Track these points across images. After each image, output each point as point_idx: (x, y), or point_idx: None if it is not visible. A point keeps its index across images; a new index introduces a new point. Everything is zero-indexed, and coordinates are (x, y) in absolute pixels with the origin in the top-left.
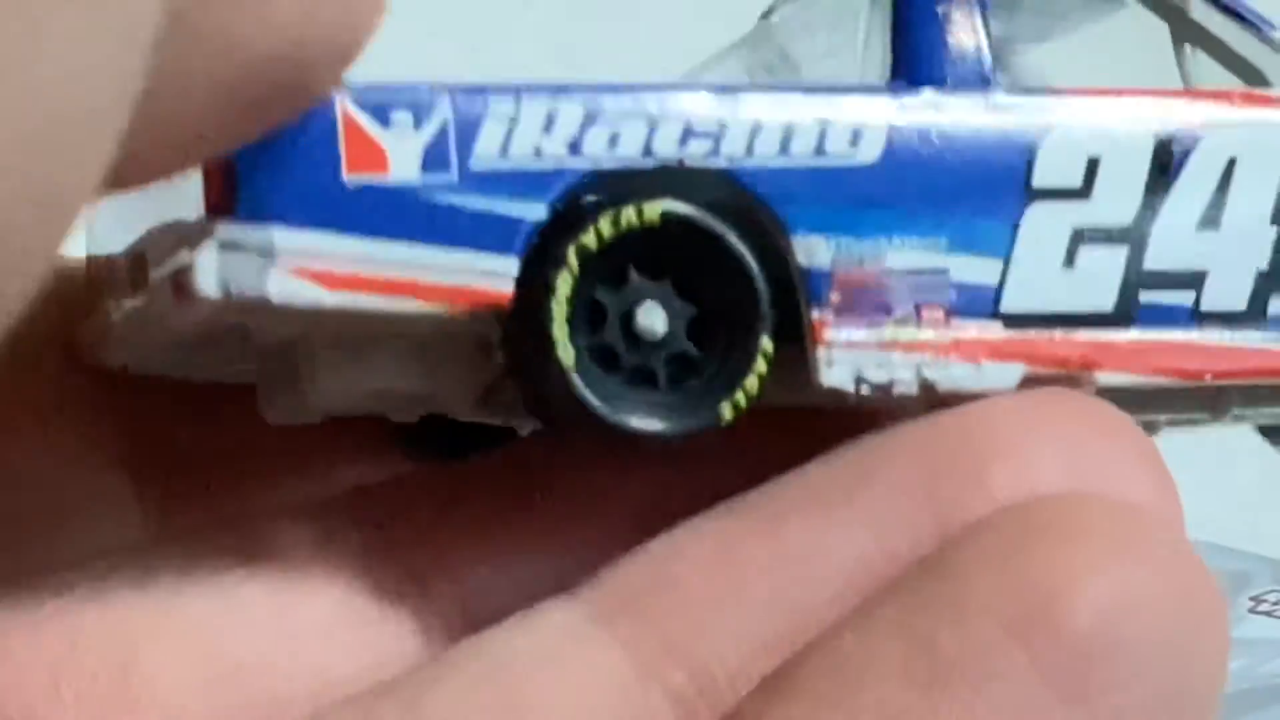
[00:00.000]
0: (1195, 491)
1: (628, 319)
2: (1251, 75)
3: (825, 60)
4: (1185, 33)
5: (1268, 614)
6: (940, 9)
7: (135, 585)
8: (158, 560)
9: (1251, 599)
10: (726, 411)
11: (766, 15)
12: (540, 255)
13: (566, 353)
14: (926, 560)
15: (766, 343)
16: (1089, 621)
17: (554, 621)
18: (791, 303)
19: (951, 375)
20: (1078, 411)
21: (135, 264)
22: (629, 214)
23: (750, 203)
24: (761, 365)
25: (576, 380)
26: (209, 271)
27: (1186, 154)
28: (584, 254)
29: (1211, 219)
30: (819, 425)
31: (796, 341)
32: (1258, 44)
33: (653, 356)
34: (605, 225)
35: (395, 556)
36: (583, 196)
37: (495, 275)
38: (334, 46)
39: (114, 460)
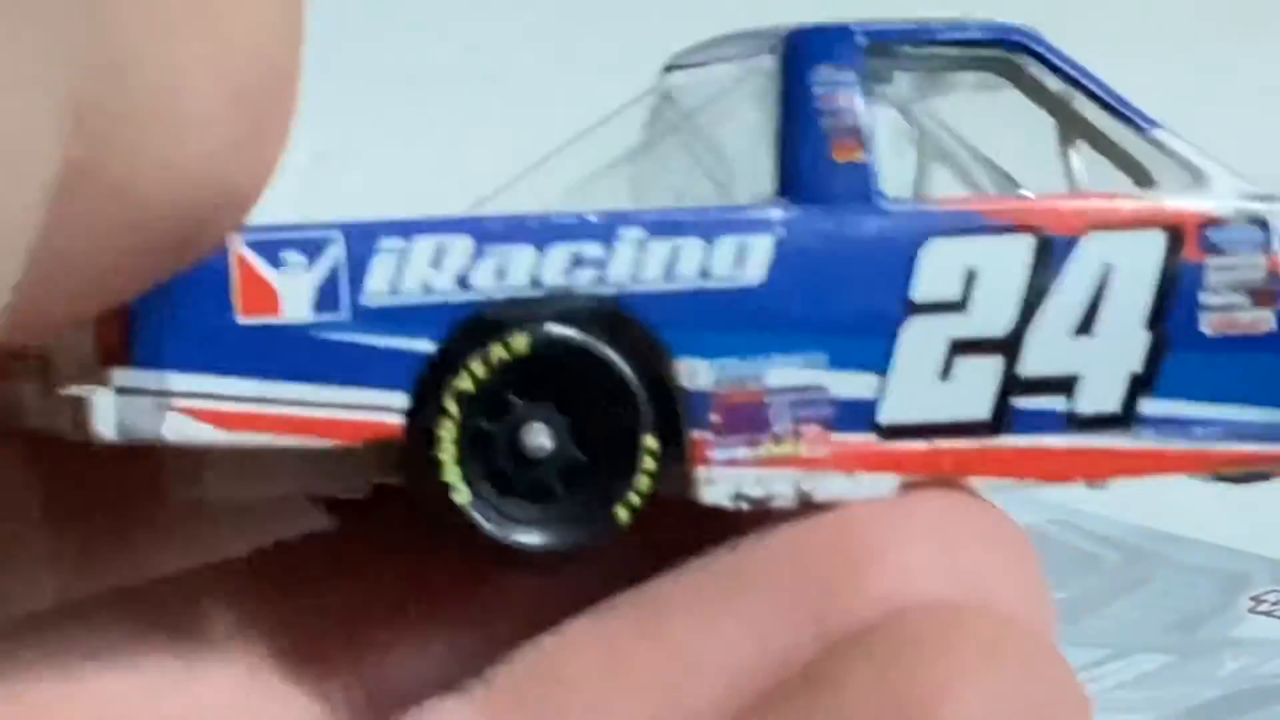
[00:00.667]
0: (1195, 491)
1: (514, 442)
2: (1136, 172)
3: (728, 149)
4: (1070, 128)
5: (1268, 614)
6: (826, 122)
7: (40, 658)
8: (63, 633)
9: (1251, 599)
10: (622, 514)
11: (669, 69)
12: (423, 403)
13: (461, 493)
14: (806, 670)
15: (650, 441)
16: None
17: None
18: (674, 418)
19: (828, 487)
20: (952, 510)
21: (42, 364)
22: (498, 350)
23: (633, 327)
24: (649, 463)
25: (475, 515)
26: (106, 414)
27: (1065, 259)
28: (462, 396)
29: (1087, 324)
30: (706, 515)
31: (679, 446)
32: (1140, 141)
33: (544, 472)
34: (478, 367)
35: (302, 630)
36: (462, 335)
37: (387, 410)
38: (234, 195)
39: (33, 516)
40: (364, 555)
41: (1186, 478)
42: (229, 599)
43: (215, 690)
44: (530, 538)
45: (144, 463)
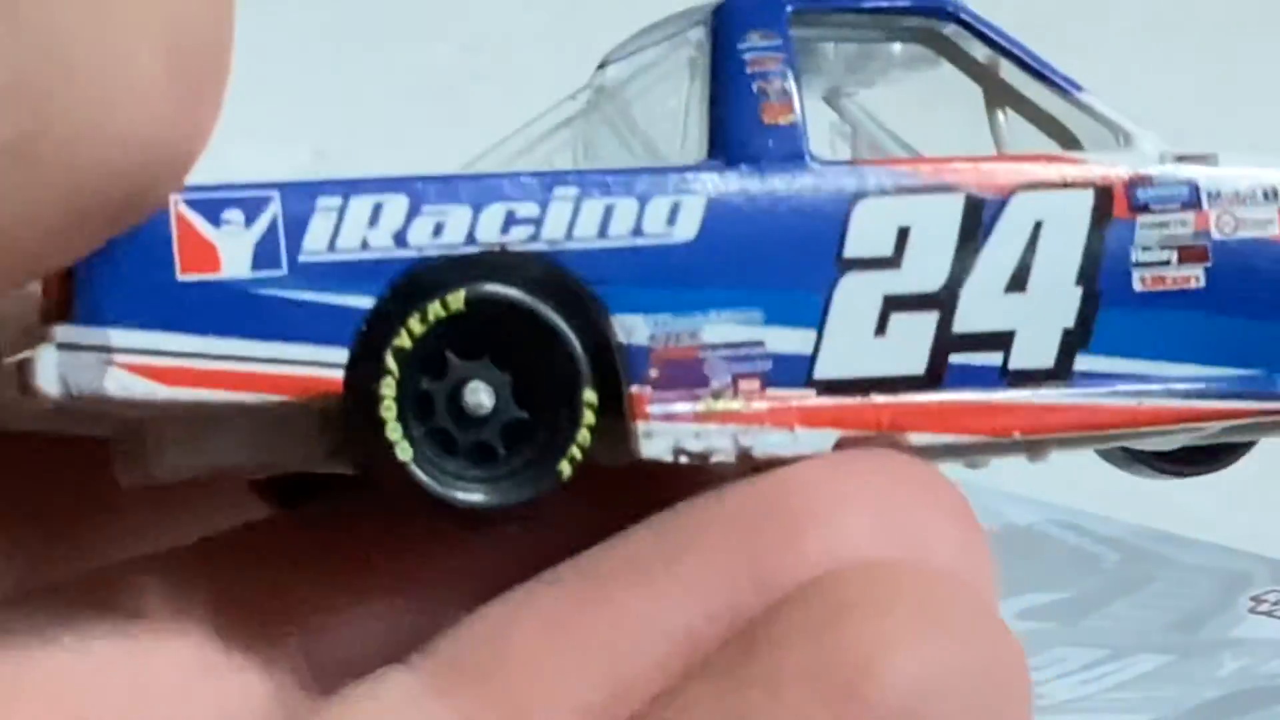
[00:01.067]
0: (1195, 491)
1: (455, 401)
2: (1062, 136)
3: (661, 121)
4: (997, 95)
5: (1268, 614)
6: (755, 85)
7: None
8: (13, 618)
9: (1251, 599)
10: (565, 469)
11: (603, 66)
12: (362, 359)
13: (404, 450)
14: (744, 632)
15: (590, 395)
16: (898, 695)
17: (394, 693)
18: (613, 374)
19: (767, 442)
20: (889, 470)
21: None
22: (435, 308)
23: (569, 283)
24: (589, 417)
25: (417, 472)
26: (49, 370)
27: (995, 218)
28: (400, 354)
29: (1019, 281)
30: (646, 481)
31: (620, 408)
32: (1066, 105)
33: (486, 430)
34: (415, 324)
35: (245, 609)
36: (399, 292)
37: (327, 365)
38: (171, 161)
39: None
40: (305, 538)
41: (1179, 482)
42: (175, 583)
43: (162, 669)
44: (473, 495)
45: (96, 452)
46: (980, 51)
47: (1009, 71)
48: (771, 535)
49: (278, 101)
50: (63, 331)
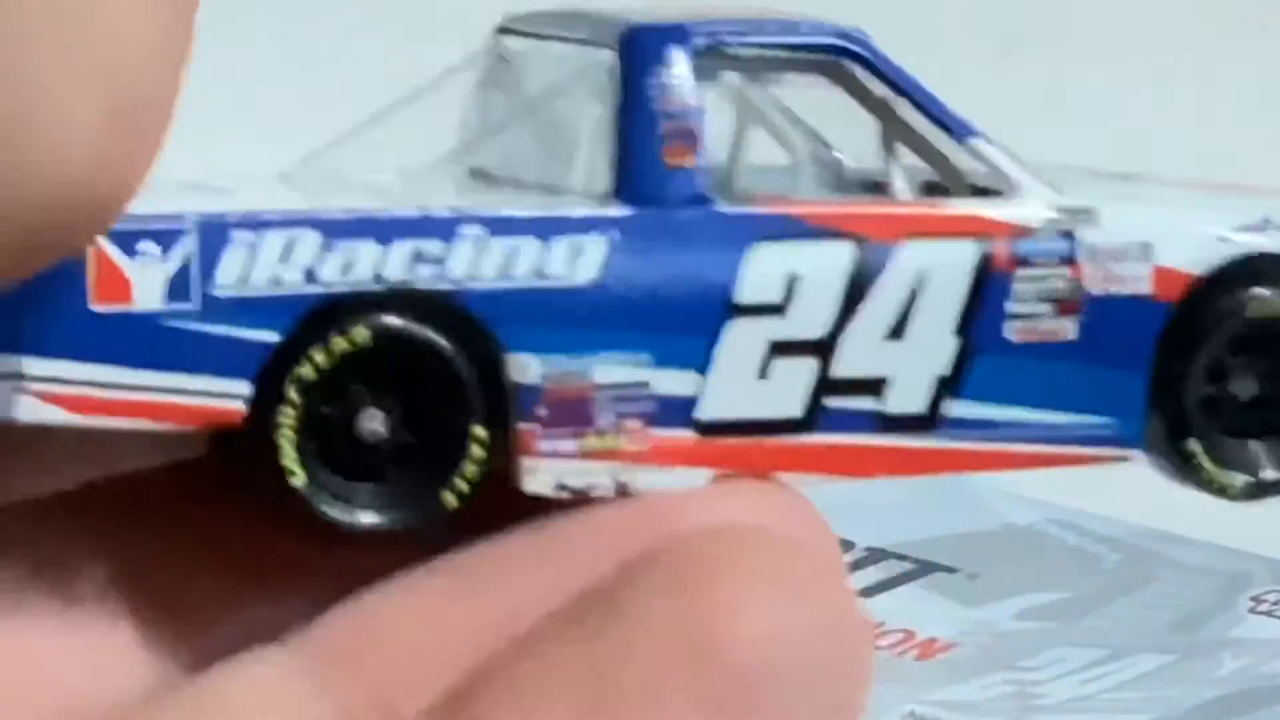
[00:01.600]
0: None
1: (350, 427)
2: (953, 179)
3: (564, 131)
4: (894, 132)
5: (1268, 614)
6: (660, 126)
7: None
8: None
9: (1251, 599)
10: (450, 499)
11: (503, 31)
12: (266, 390)
13: (299, 476)
14: (599, 591)
15: (480, 431)
16: (746, 653)
17: (268, 671)
18: (504, 410)
19: (645, 480)
20: (758, 489)
21: None
22: (339, 341)
23: (468, 322)
24: (478, 452)
25: (310, 497)
26: None
27: (881, 267)
28: (304, 384)
29: (898, 329)
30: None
31: (507, 437)
32: (959, 150)
33: (377, 455)
34: (320, 356)
35: (128, 579)
36: (307, 326)
37: (232, 397)
38: (100, 208)
39: None
40: (198, 508)
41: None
42: (59, 535)
43: (35, 644)
44: (363, 518)
45: None
46: (878, 88)
47: (907, 110)
48: (636, 527)
49: (278, 101)
50: None
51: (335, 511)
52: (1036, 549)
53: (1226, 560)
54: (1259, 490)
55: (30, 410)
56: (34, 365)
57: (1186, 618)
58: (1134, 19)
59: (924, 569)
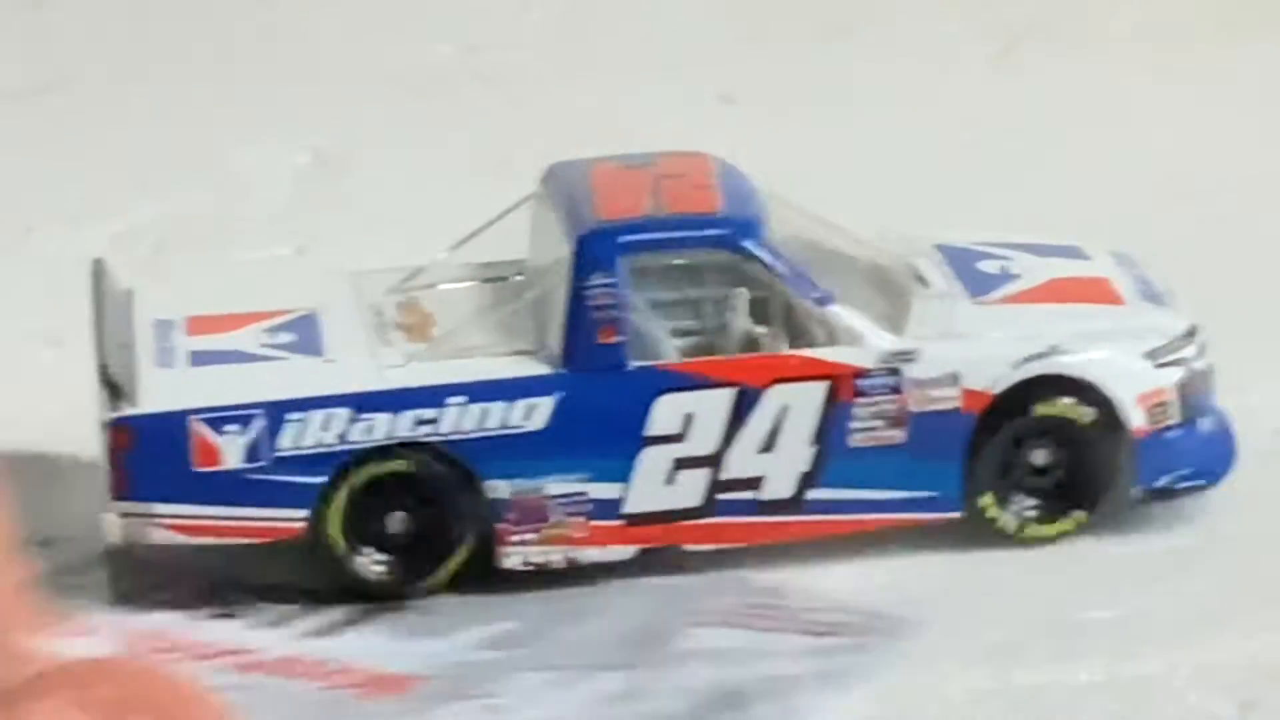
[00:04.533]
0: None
1: (382, 523)
2: (817, 333)
3: (552, 281)
4: (777, 301)
5: (722, 624)
6: (595, 315)
7: None
8: None
9: (698, 611)
10: (440, 578)
11: (546, 179)
12: (327, 494)
13: (338, 545)
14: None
15: (463, 550)
16: None
17: None
18: (484, 516)
19: (587, 555)
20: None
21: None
22: (364, 474)
23: (455, 461)
24: (459, 559)
25: (346, 559)
26: (115, 529)
27: (755, 404)
28: (352, 491)
29: (769, 444)
30: None
31: (489, 533)
32: (820, 312)
33: (400, 541)
34: (352, 484)
35: None
36: (342, 471)
37: (293, 520)
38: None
39: None
40: None
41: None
42: None
43: None
44: (382, 580)
45: None
46: (759, 271)
47: (779, 285)
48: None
49: (278, 101)
50: (120, 506)
51: (361, 569)
52: (481, 584)
53: (669, 577)
54: (1023, 530)
55: (162, 537)
56: (162, 508)
57: (640, 633)
58: (1134, 19)
59: (378, 609)
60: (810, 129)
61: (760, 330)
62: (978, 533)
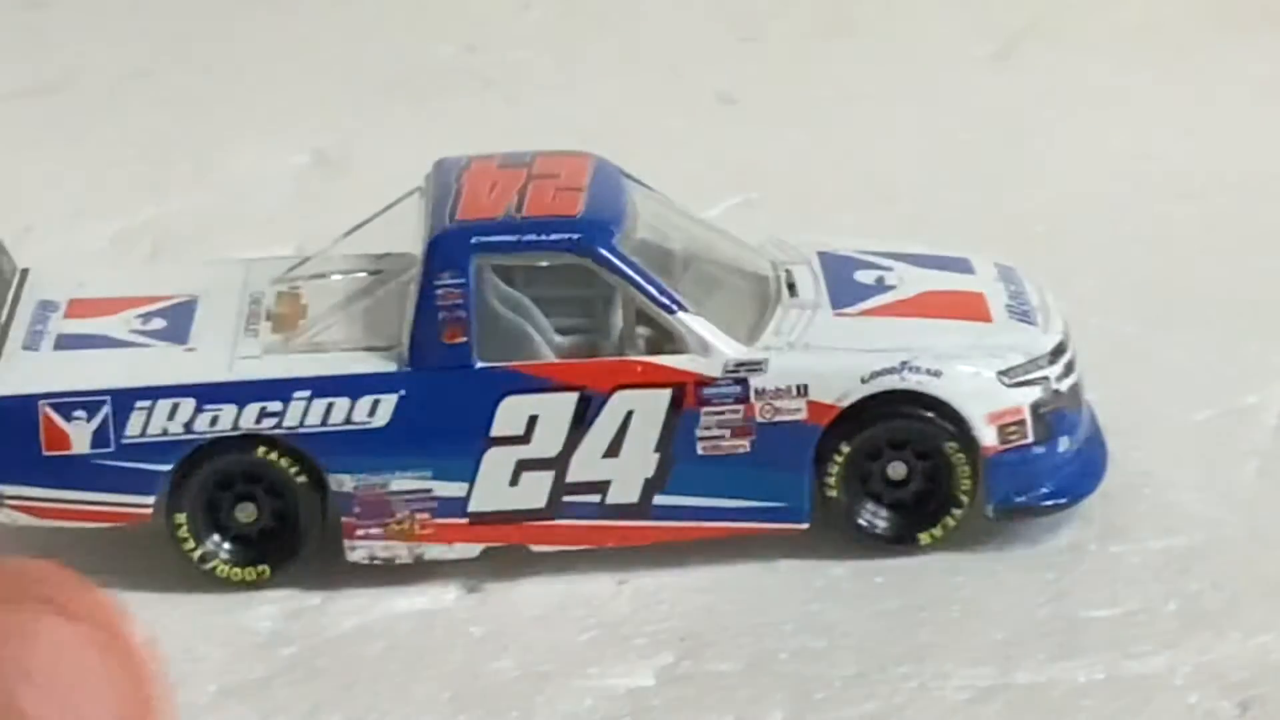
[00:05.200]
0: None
1: (231, 513)
2: (666, 340)
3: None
4: (626, 305)
5: None
6: (441, 315)
7: None
8: None
9: None
10: (294, 560)
11: (432, 172)
12: (174, 494)
13: (195, 550)
14: None
15: (311, 525)
16: None
17: None
18: (328, 510)
19: (431, 551)
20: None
21: None
22: (215, 466)
23: (301, 455)
24: (309, 543)
25: (205, 561)
26: None
27: (599, 408)
28: (192, 494)
29: (614, 449)
30: None
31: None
32: (669, 319)
33: (250, 531)
34: (205, 475)
35: None
36: (187, 460)
37: (140, 506)
38: None
39: None
40: None
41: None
42: None
43: None
44: (236, 568)
45: None
46: (610, 275)
47: (630, 290)
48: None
49: (278, 101)
50: None
51: (222, 567)
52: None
53: None
54: (870, 534)
55: (11, 517)
56: (12, 489)
57: None
58: (1134, 18)
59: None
60: (810, 129)
61: (643, 332)
62: (976, 533)
